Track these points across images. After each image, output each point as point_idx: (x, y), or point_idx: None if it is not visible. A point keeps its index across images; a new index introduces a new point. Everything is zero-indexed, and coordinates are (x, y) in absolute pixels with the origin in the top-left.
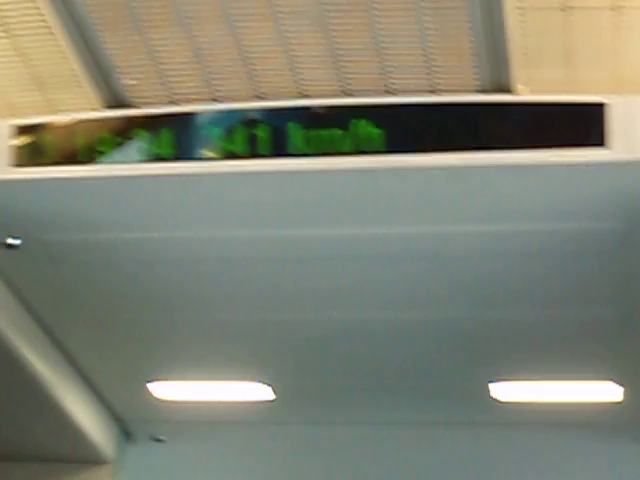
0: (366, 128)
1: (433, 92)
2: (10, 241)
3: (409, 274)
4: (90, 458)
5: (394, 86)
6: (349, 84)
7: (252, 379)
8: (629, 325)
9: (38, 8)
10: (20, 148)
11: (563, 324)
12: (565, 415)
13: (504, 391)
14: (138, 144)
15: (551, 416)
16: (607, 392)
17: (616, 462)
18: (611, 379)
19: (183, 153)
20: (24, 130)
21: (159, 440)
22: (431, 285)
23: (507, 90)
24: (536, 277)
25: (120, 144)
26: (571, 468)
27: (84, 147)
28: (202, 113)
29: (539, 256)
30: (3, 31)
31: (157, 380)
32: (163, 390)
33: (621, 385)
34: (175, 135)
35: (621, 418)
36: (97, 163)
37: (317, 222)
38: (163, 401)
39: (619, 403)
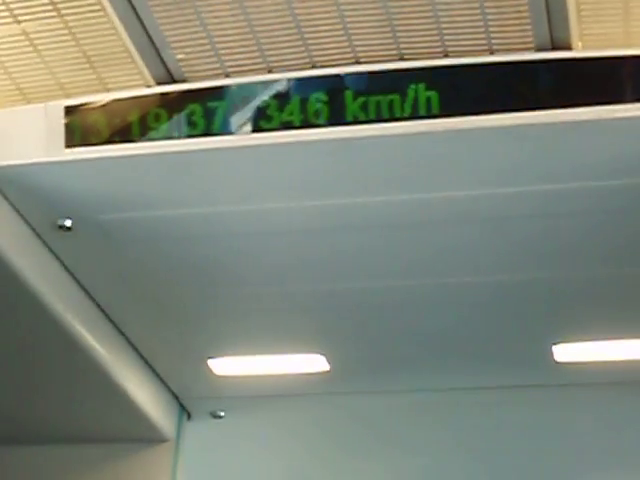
0: (424, 92)
1: (491, 52)
2: (63, 222)
3: (465, 238)
4: (150, 437)
5: (451, 49)
6: (405, 48)
7: (307, 351)
8: None
9: None
10: (72, 128)
11: (620, 281)
12: (630, 373)
13: (567, 352)
14: (191, 119)
15: (615, 375)
16: None
17: None
18: None
19: (235, 126)
20: (75, 110)
21: (218, 416)
22: (487, 248)
23: (565, 47)
24: (594, 234)
25: (172, 120)
26: (633, 427)
27: (137, 124)
28: (256, 84)
29: (600, 213)
30: (52, 10)
31: (215, 357)
32: (221, 366)
33: None
34: (227, 108)
35: None
36: (150, 140)
37: (375, 189)
38: (220, 377)
39: None
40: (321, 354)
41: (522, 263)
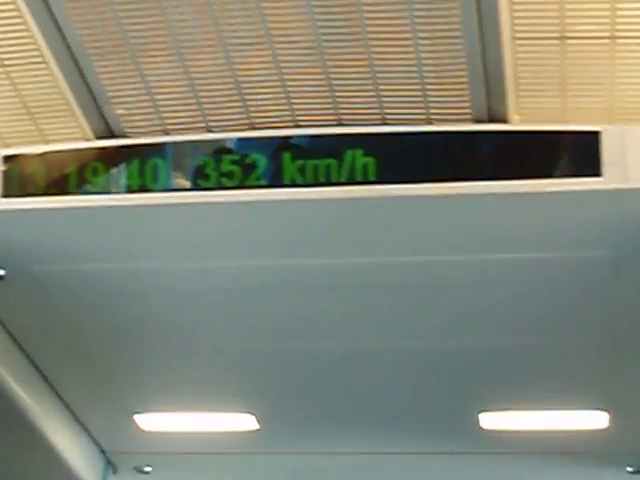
0: (361, 158)
1: (429, 122)
2: None
3: (398, 304)
4: None
5: (389, 117)
6: (344, 114)
7: (237, 410)
8: (617, 353)
9: (31, 37)
10: (9, 178)
11: (552, 352)
12: (552, 443)
13: (493, 421)
14: (129, 174)
15: (538, 444)
16: (594, 420)
17: None
18: (598, 407)
19: (173, 183)
20: (14, 159)
21: (143, 472)
22: (421, 315)
23: (502, 120)
24: (525, 306)
25: (110, 174)
26: None
27: (74, 177)
28: (195, 143)
29: (530, 284)
30: None
31: (142, 412)
32: (148, 422)
33: (607, 412)
34: (165, 165)
35: (607, 445)
36: (88, 193)
37: (309, 252)
38: (147, 432)
39: (605, 430)
40: (251, 413)
41: (451, 331)
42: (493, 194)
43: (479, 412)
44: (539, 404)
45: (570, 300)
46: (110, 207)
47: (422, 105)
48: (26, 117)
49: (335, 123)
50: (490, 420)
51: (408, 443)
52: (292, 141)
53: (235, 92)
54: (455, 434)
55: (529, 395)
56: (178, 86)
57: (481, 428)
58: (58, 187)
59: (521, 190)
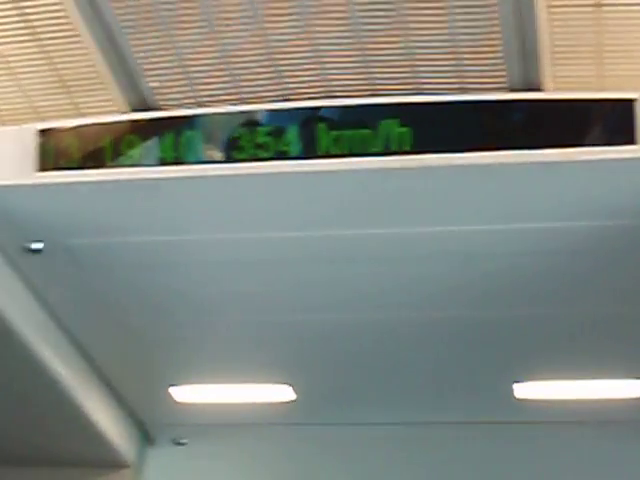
0: (395, 128)
1: (464, 91)
2: (33, 246)
3: (434, 273)
4: (111, 462)
5: (424, 86)
6: (379, 85)
7: (273, 381)
8: None
9: (65, 10)
10: (45, 152)
11: (586, 322)
12: (587, 412)
13: (527, 390)
14: (163, 146)
15: (573, 414)
16: (628, 388)
17: (638, 458)
18: (632, 376)
19: (209, 155)
20: (49, 134)
21: (180, 443)
22: (456, 284)
23: (537, 88)
24: (559, 275)
25: (145, 147)
26: (593, 465)
27: (109, 150)
28: (229, 115)
29: (563, 254)
30: (29, 34)
31: (178, 384)
32: (184, 394)
33: None
34: (200, 137)
35: None
36: (122, 166)
37: (344, 223)
38: (184, 404)
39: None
40: (287, 384)
41: (488, 300)
42: (528, 163)
43: (513, 382)
44: (573, 373)
45: (604, 269)
46: (145, 180)
47: (457, 74)
48: (61, 91)
49: (370, 93)
50: (524, 390)
51: (443, 413)
52: (327, 112)
53: (269, 63)
54: (490, 404)
55: (563, 365)
56: (211, 58)
57: (515, 398)
58: (93, 160)
59: (555, 159)
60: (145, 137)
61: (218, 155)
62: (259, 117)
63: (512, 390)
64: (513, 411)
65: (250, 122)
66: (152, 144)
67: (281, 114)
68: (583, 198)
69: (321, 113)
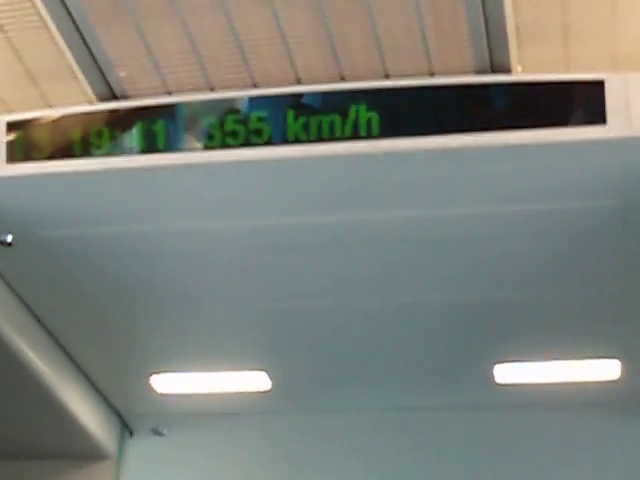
0: (364, 113)
1: (431, 75)
2: (4, 238)
3: (408, 258)
4: (91, 453)
5: (391, 71)
6: (345, 69)
7: (250, 368)
8: (629, 302)
9: (30, 1)
10: (14, 144)
11: (564, 303)
12: (566, 395)
13: (507, 373)
14: (133, 136)
15: (553, 396)
16: (606, 370)
17: (617, 440)
18: (612, 356)
19: (178, 144)
20: (17, 125)
21: (160, 434)
22: (430, 269)
23: (504, 70)
24: (536, 257)
25: (115, 136)
26: (574, 448)
27: (79, 141)
28: (196, 103)
29: (538, 236)
30: None
31: (156, 373)
32: (162, 383)
33: (619, 361)
34: (169, 126)
35: (620, 397)
36: (92, 156)
37: (314, 209)
38: (162, 394)
39: (617, 381)
40: (264, 371)
41: (466, 283)
42: (496, 146)
43: (493, 364)
44: (553, 354)
45: (580, 251)
46: (115, 170)
47: (424, 58)
48: (28, 82)
49: (337, 79)
50: (504, 373)
51: (423, 398)
52: (295, 98)
53: (236, 51)
54: (470, 388)
55: (543, 346)
56: (179, 47)
57: (495, 382)
58: (63, 151)
59: (526, 141)
60: (115, 127)
61: (187, 143)
62: (228, 104)
63: (493, 374)
64: (494, 395)
65: (219, 110)
66: (122, 134)
67: (250, 101)
68: (556, 180)
69: (289, 99)
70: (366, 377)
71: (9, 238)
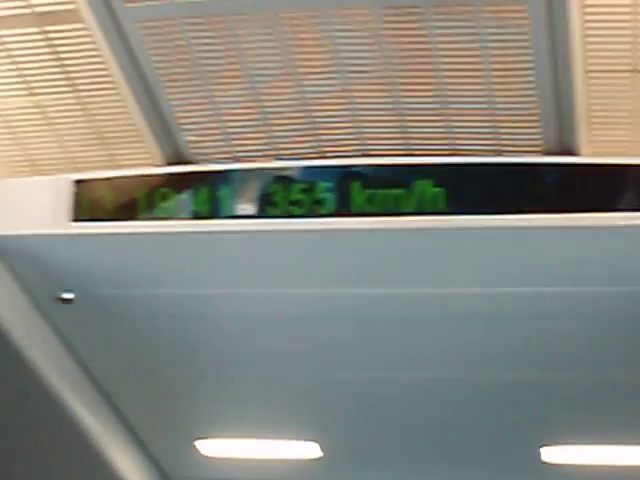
0: (430, 188)
1: (499, 154)
2: (65, 295)
3: (461, 335)
4: None
5: (460, 148)
6: (414, 145)
7: (300, 437)
8: None
9: (104, 63)
10: (80, 202)
11: (616, 386)
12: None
13: (555, 455)
14: (197, 200)
15: None
16: None
17: None
18: None
19: (241, 210)
20: (85, 184)
21: None
22: (483, 347)
23: (573, 152)
24: (587, 339)
25: (179, 200)
26: None
27: (144, 202)
28: (264, 170)
29: (591, 318)
30: (68, 85)
31: (205, 438)
32: (210, 447)
33: None
34: (234, 192)
35: None
36: (156, 219)
37: (371, 281)
38: (210, 458)
39: None
40: (314, 441)
41: (515, 363)
42: (562, 227)
43: (541, 446)
44: (602, 439)
45: (633, 335)
46: (178, 233)
47: (493, 136)
48: (97, 142)
49: (405, 153)
50: (552, 454)
51: (469, 476)
52: (361, 170)
53: (306, 121)
54: (517, 468)
55: (592, 429)
56: (249, 114)
57: (543, 462)
58: (127, 212)
59: (590, 223)
60: (179, 190)
61: (251, 210)
62: (294, 173)
63: (539, 454)
64: (541, 475)
65: (285, 178)
66: (186, 197)
67: (316, 171)
68: (615, 263)
69: (356, 171)
70: (415, 452)
71: (70, 295)
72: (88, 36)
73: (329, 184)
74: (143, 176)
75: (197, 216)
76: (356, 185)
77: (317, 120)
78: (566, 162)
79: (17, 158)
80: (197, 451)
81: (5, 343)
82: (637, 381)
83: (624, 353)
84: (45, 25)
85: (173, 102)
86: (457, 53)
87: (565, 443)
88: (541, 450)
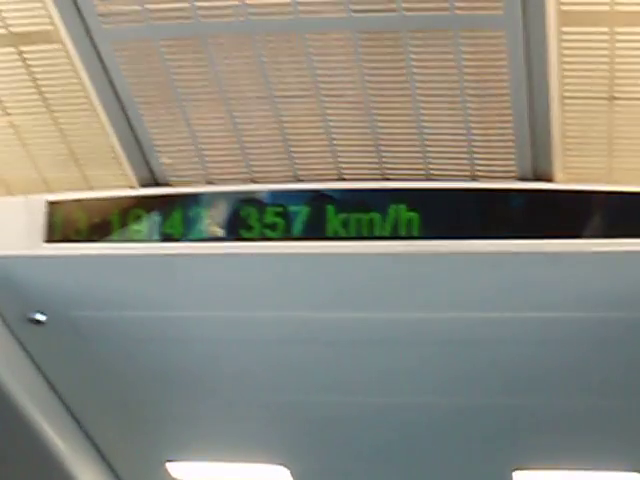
0: (405, 213)
1: (474, 179)
2: (36, 316)
3: (436, 360)
4: None
5: (434, 172)
6: (389, 169)
7: (270, 461)
8: None
9: (79, 83)
10: (53, 224)
11: (584, 413)
12: None
13: (527, 479)
14: (171, 223)
15: None
16: None
17: None
18: (632, 469)
19: (217, 232)
20: (58, 205)
21: None
22: (455, 371)
23: (547, 178)
24: (557, 364)
25: (153, 222)
26: None
27: (117, 224)
28: (238, 193)
29: (560, 343)
30: (42, 105)
31: (174, 460)
32: (181, 470)
33: None
34: (208, 215)
35: None
36: (129, 241)
37: (344, 305)
38: None
39: None
40: (284, 466)
41: (487, 387)
42: (537, 252)
43: (513, 470)
44: (573, 464)
45: (608, 360)
46: (152, 255)
47: (467, 162)
48: (71, 163)
49: (380, 177)
50: (524, 478)
51: None
52: (336, 194)
53: (281, 144)
54: None
55: (563, 454)
56: (224, 137)
57: None
58: (100, 234)
59: (565, 249)
60: (153, 213)
61: (226, 233)
62: (268, 196)
63: (511, 478)
64: None
65: (259, 201)
66: (160, 220)
67: (290, 194)
68: (586, 289)
69: (330, 195)
70: (387, 476)
71: (42, 317)
72: (64, 57)
73: (303, 208)
74: (117, 198)
75: (171, 238)
76: (330, 209)
77: (292, 143)
78: (540, 188)
79: None
80: (168, 474)
81: None
82: (606, 406)
83: (593, 378)
84: (21, 45)
85: (148, 124)
86: (433, 78)
87: (536, 468)
88: (513, 474)
